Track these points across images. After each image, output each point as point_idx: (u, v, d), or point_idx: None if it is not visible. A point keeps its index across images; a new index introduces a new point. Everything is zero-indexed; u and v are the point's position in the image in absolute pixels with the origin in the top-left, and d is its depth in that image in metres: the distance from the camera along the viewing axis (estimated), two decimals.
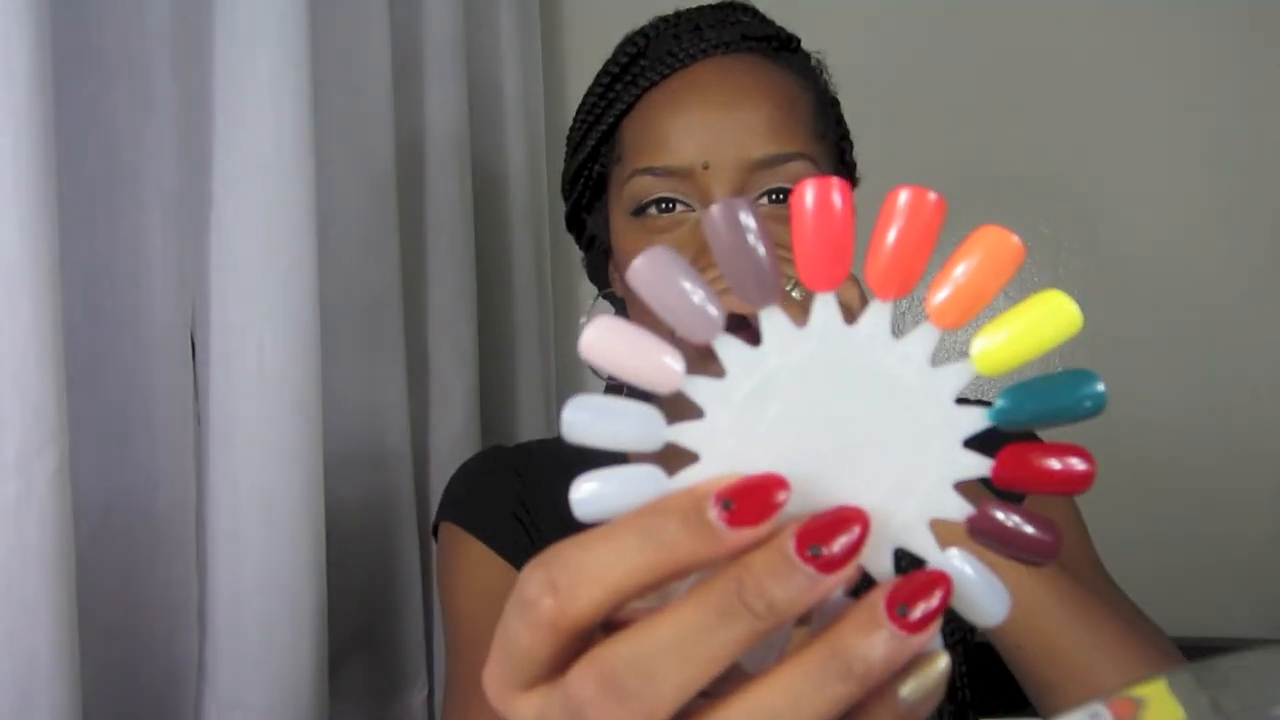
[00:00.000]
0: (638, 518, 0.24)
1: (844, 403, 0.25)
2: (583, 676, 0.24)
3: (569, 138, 0.71)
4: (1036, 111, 1.25)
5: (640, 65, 0.64)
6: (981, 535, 0.24)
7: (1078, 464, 0.23)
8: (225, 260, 0.69)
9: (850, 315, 0.24)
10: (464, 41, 1.05)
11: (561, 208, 1.40)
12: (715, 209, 0.24)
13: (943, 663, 0.24)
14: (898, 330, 0.25)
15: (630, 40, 0.66)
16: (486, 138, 1.14)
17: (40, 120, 0.52)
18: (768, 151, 0.59)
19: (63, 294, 0.55)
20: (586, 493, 0.25)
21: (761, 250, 0.24)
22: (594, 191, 0.69)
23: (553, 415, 1.27)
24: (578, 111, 0.70)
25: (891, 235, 0.24)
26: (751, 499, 0.23)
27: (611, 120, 0.64)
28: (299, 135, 0.70)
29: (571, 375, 1.39)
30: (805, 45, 0.71)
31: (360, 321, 0.90)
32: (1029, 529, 0.24)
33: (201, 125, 0.68)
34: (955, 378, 0.24)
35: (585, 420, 0.24)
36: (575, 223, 0.74)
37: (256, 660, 0.70)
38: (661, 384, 0.24)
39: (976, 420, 0.24)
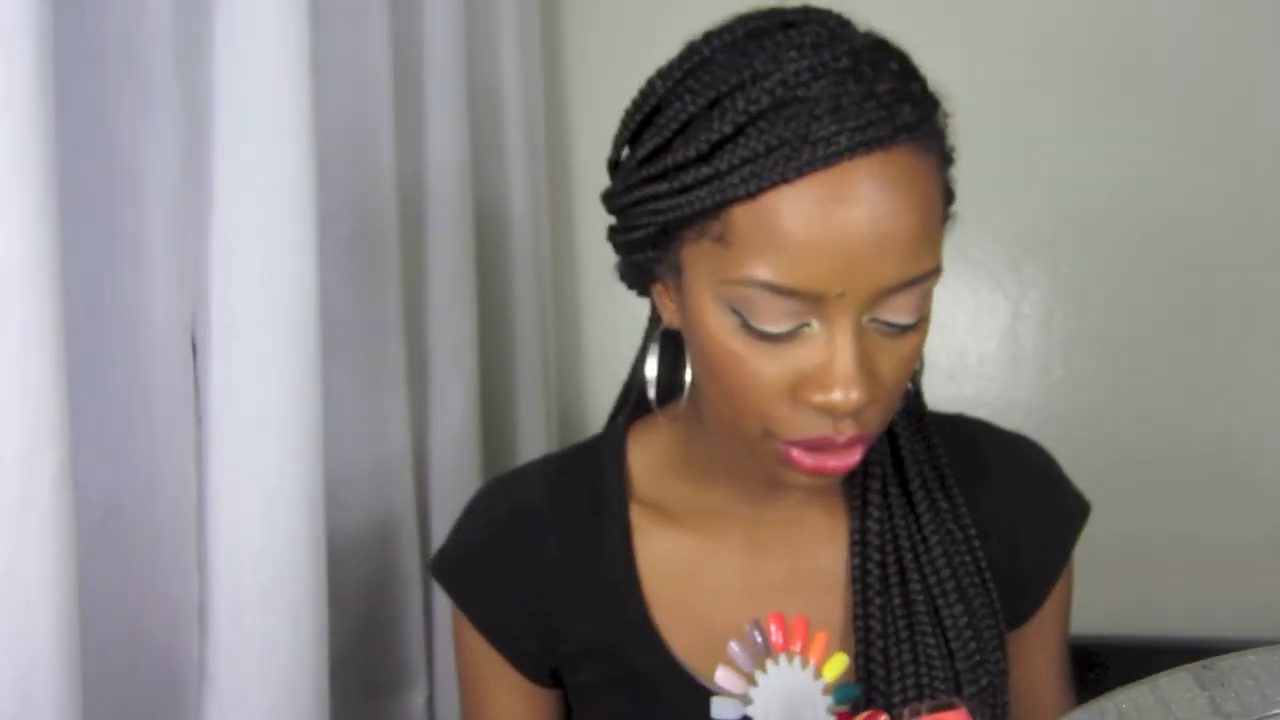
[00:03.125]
0: None
1: (802, 703, 0.56)
2: None
3: (635, 154, 0.60)
4: (1038, 111, 1.25)
5: (764, 139, 0.51)
6: None
7: None
8: (225, 260, 0.69)
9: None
10: (464, 43, 1.05)
11: (562, 209, 1.41)
12: (733, 649, 0.56)
13: None
14: None
15: (744, 89, 0.52)
16: (487, 137, 1.14)
17: (40, 120, 0.52)
18: (905, 276, 0.52)
19: (63, 294, 0.55)
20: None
21: (750, 661, 0.56)
22: (664, 235, 0.58)
23: (552, 418, 1.27)
24: (644, 128, 0.58)
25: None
26: None
27: (719, 200, 0.52)
28: (299, 135, 0.70)
29: (571, 377, 1.39)
30: None
31: (360, 323, 0.90)
32: None
33: (201, 125, 0.68)
34: (827, 689, 0.56)
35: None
36: (623, 246, 0.63)
37: (257, 660, 0.70)
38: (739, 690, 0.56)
39: (832, 703, 0.56)
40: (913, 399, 0.70)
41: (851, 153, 0.50)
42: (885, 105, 0.52)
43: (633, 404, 0.74)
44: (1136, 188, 1.24)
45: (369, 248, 0.91)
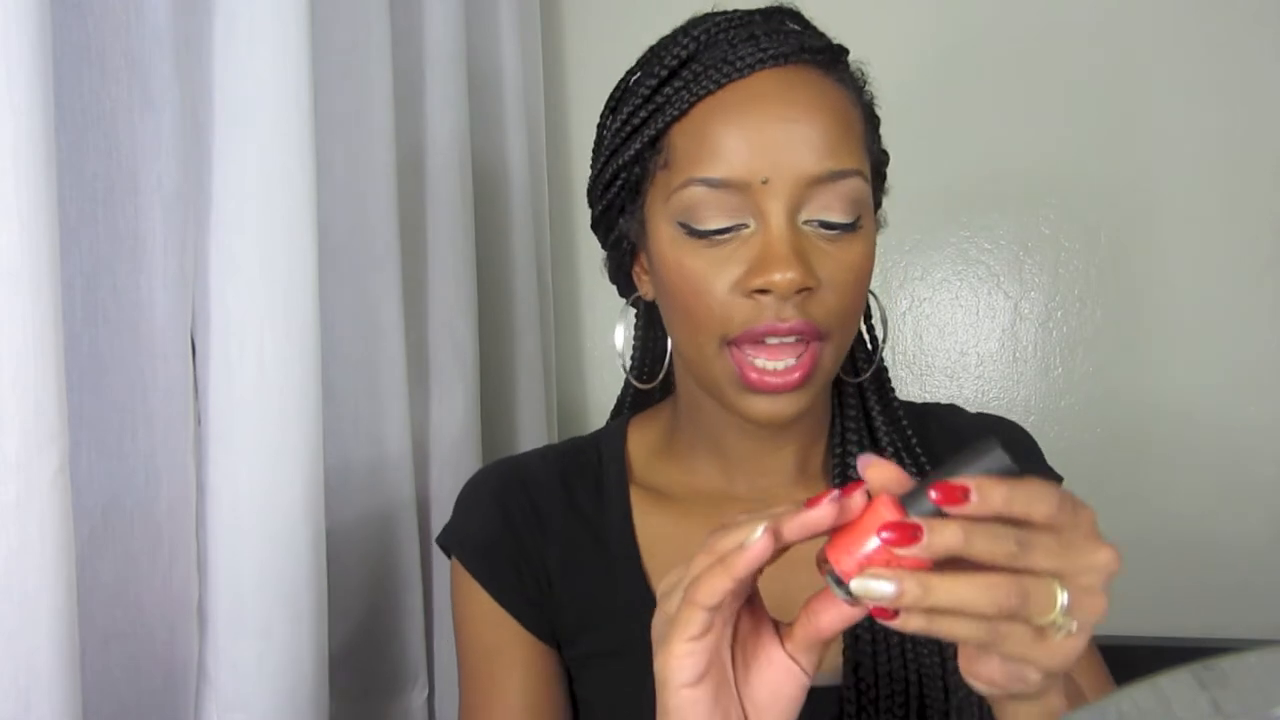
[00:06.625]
0: None
1: None
2: None
3: (602, 141, 0.68)
4: (1038, 111, 1.25)
5: (693, 70, 0.61)
6: None
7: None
8: (225, 260, 0.69)
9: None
10: (464, 41, 1.05)
11: (562, 207, 1.41)
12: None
13: None
14: None
15: (677, 42, 0.63)
16: (487, 137, 1.14)
17: (40, 120, 0.52)
18: (826, 168, 0.58)
19: (63, 294, 0.55)
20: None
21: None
22: (630, 194, 0.66)
23: (552, 418, 1.27)
24: (613, 113, 0.67)
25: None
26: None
27: (660, 125, 0.62)
28: (299, 135, 0.70)
29: (571, 375, 1.39)
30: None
31: (360, 322, 0.90)
32: None
33: (201, 125, 0.68)
34: None
35: None
36: (603, 224, 0.71)
37: (256, 660, 0.70)
38: None
39: None
40: (878, 370, 0.73)
41: (762, 64, 0.60)
42: (793, 35, 0.62)
43: (633, 400, 0.79)
44: (1136, 188, 1.24)
45: (369, 246, 0.91)
